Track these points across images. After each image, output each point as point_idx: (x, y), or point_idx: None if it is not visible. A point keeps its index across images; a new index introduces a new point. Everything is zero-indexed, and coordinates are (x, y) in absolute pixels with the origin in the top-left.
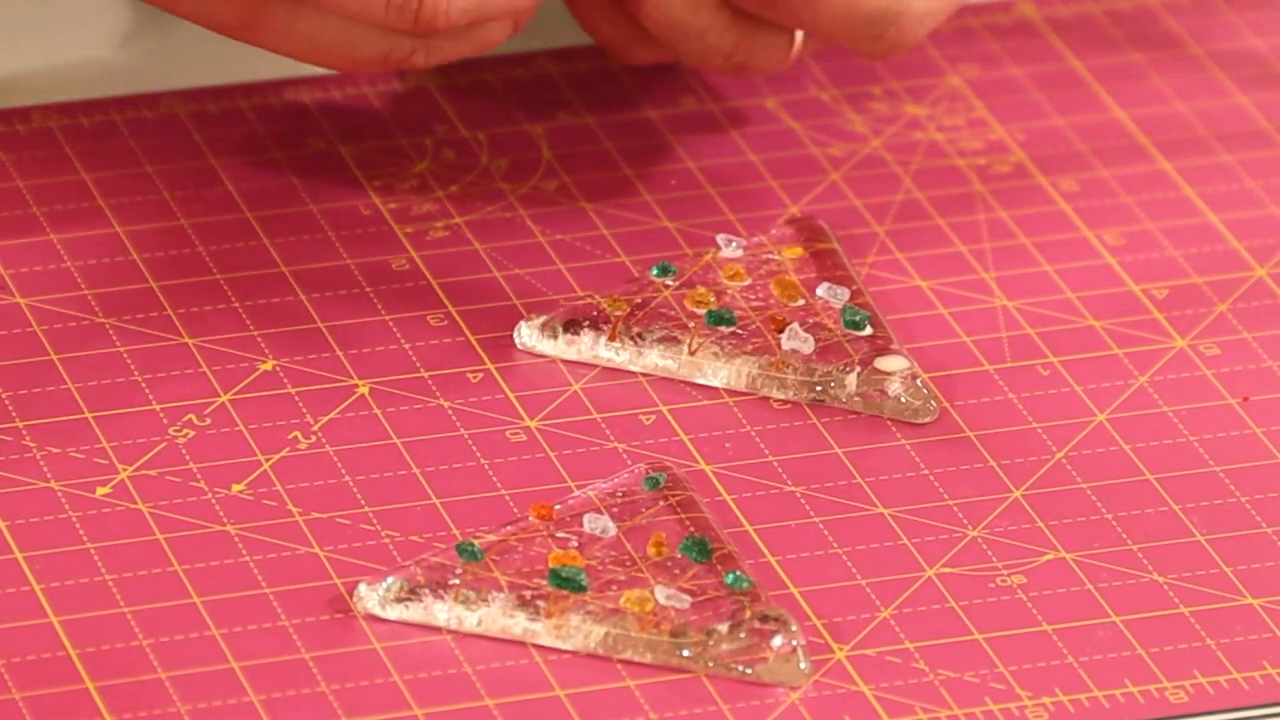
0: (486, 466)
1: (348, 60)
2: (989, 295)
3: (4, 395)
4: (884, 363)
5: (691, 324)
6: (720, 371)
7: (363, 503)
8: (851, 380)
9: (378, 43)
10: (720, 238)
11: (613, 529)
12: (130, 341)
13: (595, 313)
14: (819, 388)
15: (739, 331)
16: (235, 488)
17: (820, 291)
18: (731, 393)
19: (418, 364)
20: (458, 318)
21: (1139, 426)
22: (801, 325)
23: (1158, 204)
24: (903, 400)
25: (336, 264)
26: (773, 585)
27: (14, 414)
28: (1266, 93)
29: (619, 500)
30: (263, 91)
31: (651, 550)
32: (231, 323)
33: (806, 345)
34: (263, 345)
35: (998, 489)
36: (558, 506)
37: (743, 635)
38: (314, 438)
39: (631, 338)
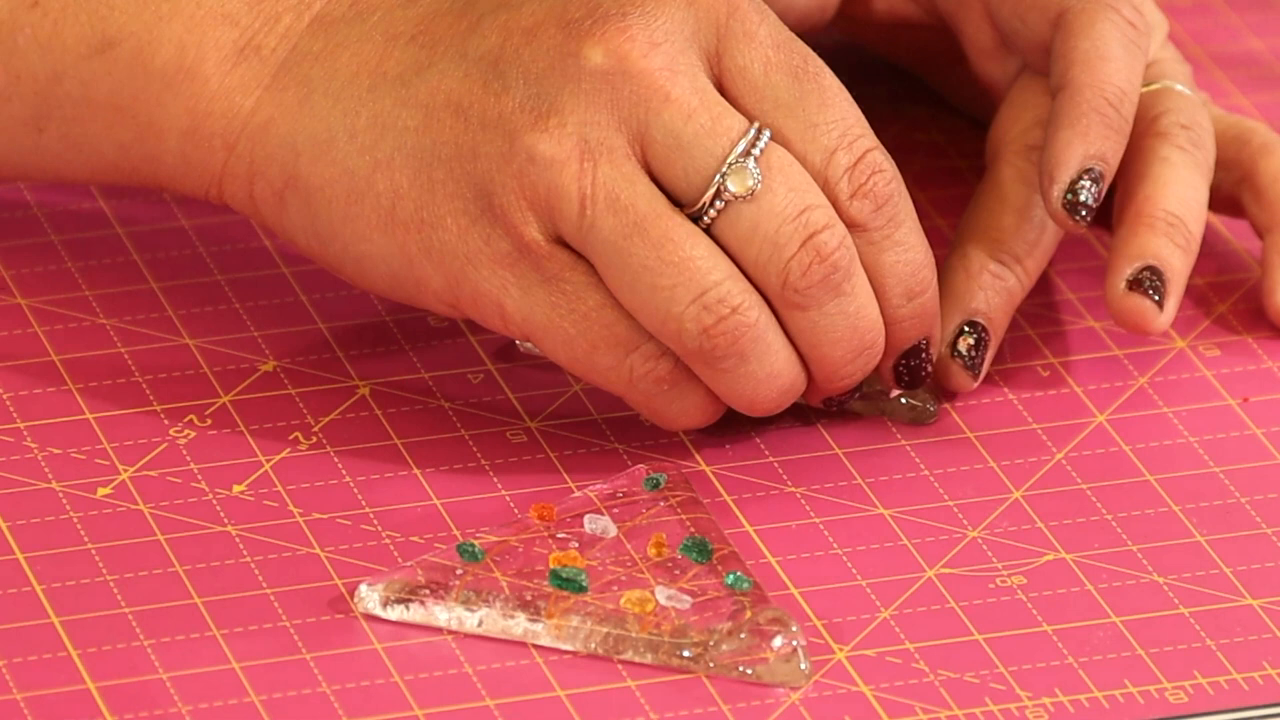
0: (486, 467)
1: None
2: None
3: (4, 395)
4: None
5: None
6: None
7: (363, 503)
8: None
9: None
10: None
11: (613, 529)
12: (130, 342)
13: None
14: None
15: None
16: (236, 488)
17: None
18: None
19: (418, 364)
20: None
21: (1139, 427)
22: None
23: None
24: (903, 401)
25: None
26: (773, 585)
27: (15, 414)
28: (1266, 93)
29: (619, 501)
30: None
31: (652, 551)
32: (231, 323)
33: None
34: (263, 345)
35: (998, 489)
36: (558, 507)
37: (743, 636)
38: (315, 438)
39: None
